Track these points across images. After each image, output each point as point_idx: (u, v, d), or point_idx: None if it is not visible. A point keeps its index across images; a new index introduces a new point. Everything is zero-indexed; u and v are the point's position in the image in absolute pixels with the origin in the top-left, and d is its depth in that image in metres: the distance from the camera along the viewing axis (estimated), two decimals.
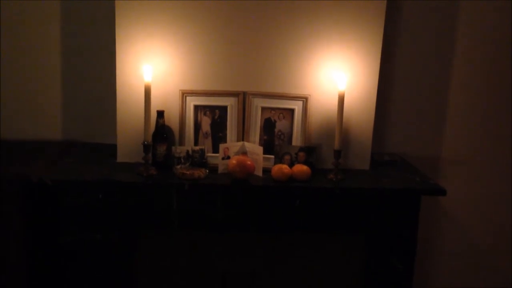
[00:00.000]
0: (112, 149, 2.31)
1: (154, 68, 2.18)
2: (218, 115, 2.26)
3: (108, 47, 2.32)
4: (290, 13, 2.20)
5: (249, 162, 2.11)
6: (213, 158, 2.23)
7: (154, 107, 2.19)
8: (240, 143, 2.22)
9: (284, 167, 2.13)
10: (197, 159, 2.21)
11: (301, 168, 2.14)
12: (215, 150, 2.25)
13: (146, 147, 2.13)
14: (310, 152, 2.24)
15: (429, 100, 2.61)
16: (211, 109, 2.26)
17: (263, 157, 2.17)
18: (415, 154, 2.61)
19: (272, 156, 2.24)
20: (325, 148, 2.29)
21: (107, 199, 2.08)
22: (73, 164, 2.23)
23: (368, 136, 2.30)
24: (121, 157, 2.29)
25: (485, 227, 2.72)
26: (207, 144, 2.26)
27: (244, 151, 2.20)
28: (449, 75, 2.58)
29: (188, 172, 2.10)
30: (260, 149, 2.17)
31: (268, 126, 2.27)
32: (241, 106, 2.25)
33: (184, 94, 2.24)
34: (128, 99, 2.24)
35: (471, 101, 2.61)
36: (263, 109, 2.26)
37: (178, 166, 2.17)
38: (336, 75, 2.21)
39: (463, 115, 2.62)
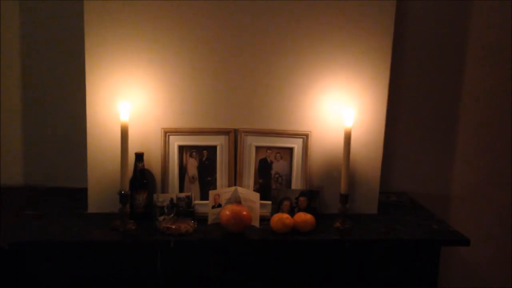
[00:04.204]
0: (81, 194, 2.01)
1: (131, 103, 1.89)
2: (206, 156, 1.98)
3: (76, 79, 2.04)
4: (286, 41, 1.95)
5: (245, 213, 1.82)
6: (202, 206, 1.95)
7: (132, 148, 1.89)
8: (233, 188, 1.94)
9: (285, 217, 1.85)
10: (182, 208, 1.92)
11: (304, 218, 1.86)
12: (204, 196, 1.96)
13: (123, 198, 1.82)
14: (312, 196, 1.97)
15: (436, 135, 2.40)
16: (198, 149, 1.97)
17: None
18: (420, 191, 2.39)
19: (269, 202, 1.96)
20: (328, 190, 2.03)
21: (77, 263, 1.77)
22: (36, 218, 1.90)
23: (376, 177, 2.05)
24: (92, 207, 1.97)
25: (499, 270, 2.50)
26: (194, 190, 1.97)
27: (238, 197, 1.92)
28: (458, 108, 2.38)
29: (173, 226, 1.80)
30: (256, 196, 1.89)
31: (263, 167, 2.00)
32: (233, 146, 1.98)
33: (167, 133, 1.95)
34: (101, 139, 1.95)
35: (480, 136, 2.42)
36: (258, 148, 1.99)
37: (161, 218, 1.86)
38: (341, 110, 1.97)
39: (472, 150, 2.42)
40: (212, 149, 1.98)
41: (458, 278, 2.49)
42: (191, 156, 1.98)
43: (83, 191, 1.99)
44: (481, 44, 2.34)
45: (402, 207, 2.18)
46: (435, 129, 2.39)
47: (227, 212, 1.81)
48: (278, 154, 2.01)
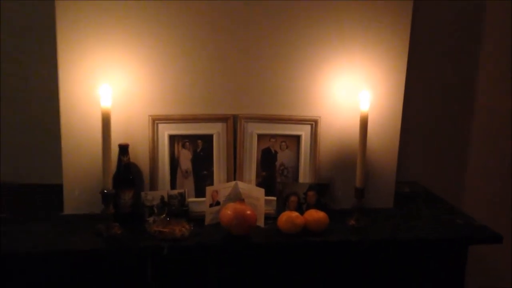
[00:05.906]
0: (55, 192, 1.74)
1: (112, 87, 1.61)
2: (201, 147, 1.73)
3: (46, 57, 1.75)
4: (293, 13, 1.71)
5: (249, 212, 1.59)
6: (197, 204, 1.71)
7: (115, 140, 1.62)
8: (232, 183, 1.71)
9: (295, 216, 1.62)
10: (175, 207, 1.68)
11: (317, 217, 1.64)
12: (199, 193, 1.72)
13: (106, 197, 1.56)
14: (322, 190, 1.75)
15: (449, 122, 2.22)
16: (191, 139, 1.73)
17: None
18: (431, 180, 2.19)
19: (274, 198, 1.74)
20: (339, 182, 1.81)
21: (55, 275, 1.51)
22: (4, 224, 1.62)
23: (392, 168, 1.84)
24: (69, 208, 1.71)
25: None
26: (187, 186, 1.72)
27: (238, 194, 1.68)
28: (474, 94, 2.22)
29: (166, 230, 1.55)
30: (260, 192, 1.65)
31: (267, 158, 1.77)
32: (231, 134, 1.75)
33: (156, 121, 1.70)
34: (77, 128, 1.68)
35: (496, 125, 2.26)
36: (260, 136, 1.76)
37: (151, 219, 1.62)
38: (354, 93, 1.75)
39: (487, 140, 2.26)
40: (208, 139, 1.73)
41: (472, 272, 2.33)
42: (183, 147, 1.73)
43: (58, 188, 1.73)
44: (499, 28, 2.17)
45: (417, 199, 1.99)
46: (448, 116, 2.22)
47: (229, 212, 1.57)
48: (283, 143, 1.77)
